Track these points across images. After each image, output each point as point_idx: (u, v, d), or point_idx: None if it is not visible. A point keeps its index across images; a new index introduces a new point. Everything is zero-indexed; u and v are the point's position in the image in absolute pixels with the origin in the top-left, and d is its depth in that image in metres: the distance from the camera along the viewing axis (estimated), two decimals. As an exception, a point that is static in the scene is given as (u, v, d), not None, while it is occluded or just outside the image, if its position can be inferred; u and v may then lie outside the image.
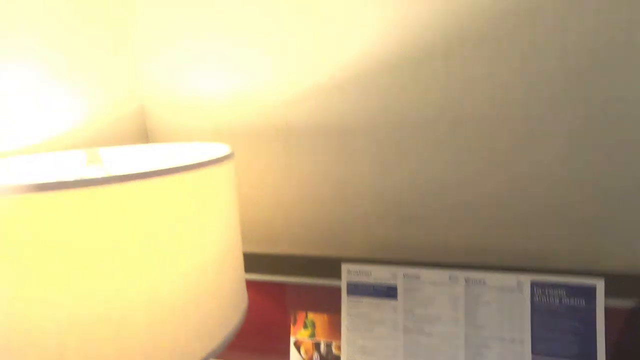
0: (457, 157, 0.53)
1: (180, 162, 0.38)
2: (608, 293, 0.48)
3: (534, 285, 0.48)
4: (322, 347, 0.56)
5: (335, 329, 0.56)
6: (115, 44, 0.61)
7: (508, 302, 0.49)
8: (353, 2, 0.52)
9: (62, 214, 0.26)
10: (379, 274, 0.53)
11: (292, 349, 0.57)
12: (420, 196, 0.55)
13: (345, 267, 0.54)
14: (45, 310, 0.26)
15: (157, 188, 0.29)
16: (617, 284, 0.49)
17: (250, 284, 0.62)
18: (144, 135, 0.67)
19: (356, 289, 0.54)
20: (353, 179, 0.57)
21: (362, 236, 0.59)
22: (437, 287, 0.51)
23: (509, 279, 0.49)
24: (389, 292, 0.52)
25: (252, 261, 0.62)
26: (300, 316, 0.57)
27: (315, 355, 0.56)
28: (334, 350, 0.55)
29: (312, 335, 0.56)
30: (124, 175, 0.27)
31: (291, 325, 0.57)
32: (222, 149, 0.40)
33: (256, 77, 0.58)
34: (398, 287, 0.52)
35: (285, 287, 0.59)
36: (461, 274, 0.50)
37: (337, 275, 0.58)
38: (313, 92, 0.56)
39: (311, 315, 0.57)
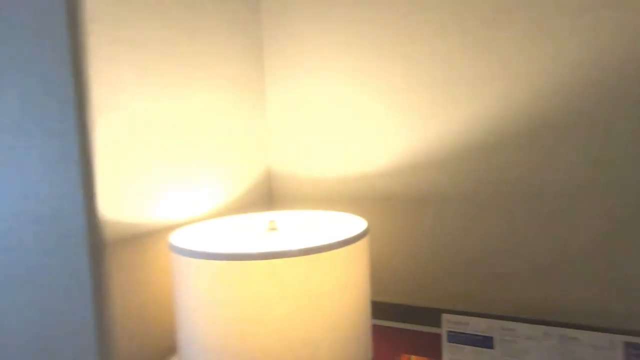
0: (545, 226, 0.62)
1: (337, 233, 0.53)
2: None
3: (627, 346, 0.53)
4: (425, 388, 0.64)
5: (436, 372, 0.64)
6: (255, 134, 0.81)
7: (602, 360, 0.55)
8: (445, 100, 0.67)
9: (284, 276, 0.41)
10: (477, 325, 0.61)
11: (397, 387, 0.66)
12: (509, 256, 0.64)
13: (445, 317, 0.63)
14: (267, 337, 0.41)
15: (328, 257, 0.44)
16: None
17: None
18: (269, 201, 0.85)
19: (455, 337, 0.62)
20: (447, 240, 0.68)
21: (457, 290, 0.68)
22: (532, 341, 0.58)
23: (601, 338, 0.55)
24: (486, 342, 0.60)
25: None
26: (404, 358, 0.66)
27: (419, 395, 0.64)
28: (436, 392, 0.63)
29: (415, 376, 0.65)
30: (309, 248, 0.42)
31: (396, 366, 0.67)
32: (360, 222, 0.55)
33: (362, 156, 0.74)
34: (494, 338, 0.60)
35: (390, 331, 0.69)
36: (555, 331, 0.57)
37: (437, 323, 0.67)
38: (410, 167, 0.70)
39: (414, 358, 0.66)
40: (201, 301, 0.43)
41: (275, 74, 0.81)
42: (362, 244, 0.48)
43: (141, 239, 0.51)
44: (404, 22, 0.69)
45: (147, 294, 0.52)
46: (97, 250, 0.46)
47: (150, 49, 0.54)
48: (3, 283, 0.52)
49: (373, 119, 0.73)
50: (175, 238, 0.49)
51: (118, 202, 0.48)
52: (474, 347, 0.61)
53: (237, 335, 0.41)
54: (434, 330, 0.66)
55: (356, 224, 0.55)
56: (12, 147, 0.49)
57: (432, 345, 0.66)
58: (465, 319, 0.62)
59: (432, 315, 0.67)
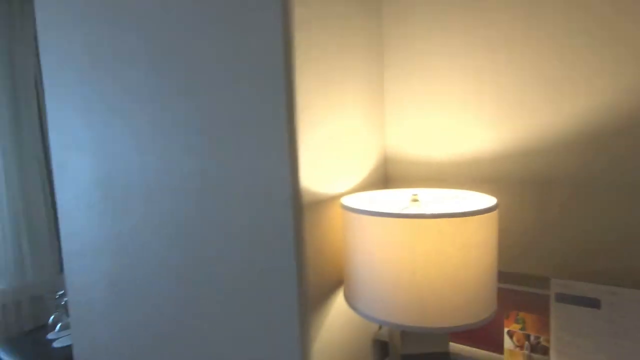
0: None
1: (469, 205, 0.67)
2: None
3: None
4: (532, 339, 0.76)
5: (543, 326, 0.76)
6: (375, 124, 0.97)
7: None
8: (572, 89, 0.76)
9: (435, 232, 0.56)
10: (584, 289, 0.72)
11: (506, 337, 0.79)
12: (617, 234, 0.73)
13: (553, 281, 0.74)
14: (431, 274, 0.57)
15: (477, 220, 0.58)
16: None
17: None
18: (385, 180, 1.01)
19: (563, 298, 0.73)
20: (555, 220, 0.78)
21: (565, 262, 0.78)
22: (638, 304, 0.67)
23: None
24: (592, 303, 0.71)
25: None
26: (512, 314, 0.79)
27: (526, 345, 0.77)
28: (543, 342, 0.75)
29: (523, 329, 0.77)
30: (465, 212, 0.57)
31: (504, 320, 0.80)
32: (489, 199, 0.68)
33: (471, 140, 0.86)
34: (601, 300, 0.70)
35: (501, 291, 0.82)
36: (662, 296, 0.66)
37: (546, 288, 0.78)
38: (521, 152, 0.81)
39: (522, 314, 0.78)
40: (377, 247, 0.60)
41: (394, 64, 0.95)
42: (495, 213, 0.62)
43: (322, 203, 0.70)
44: (521, 23, 0.78)
45: (325, 241, 0.71)
46: (298, 211, 0.66)
47: (325, 64, 0.71)
48: (229, 235, 0.74)
49: (484, 106, 0.84)
50: (350, 202, 0.67)
51: (310, 178, 0.67)
52: (581, 307, 0.72)
53: (408, 272, 0.58)
54: (542, 292, 0.77)
55: (482, 199, 0.68)
56: (235, 139, 0.70)
57: (539, 304, 0.77)
58: (573, 282, 0.73)
59: (540, 282, 0.78)
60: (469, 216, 0.58)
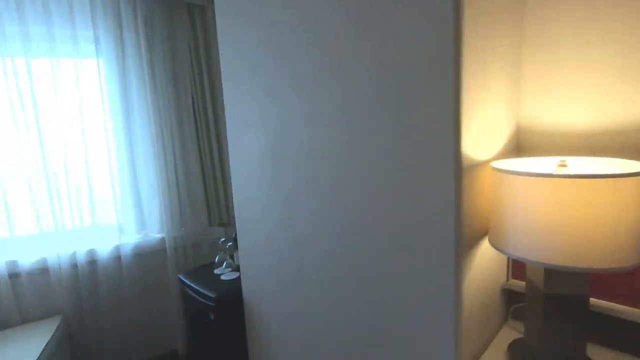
0: None
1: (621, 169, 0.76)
2: None
3: None
4: (675, 295, 0.82)
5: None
6: (510, 98, 1.06)
7: None
8: None
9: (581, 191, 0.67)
10: None
11: (645, 292, 0.86)
12: None
13: None
14: (587, 226, 0.68)
15: (634, 180, 0.67)
16: None
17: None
18: (516, 150, 1.10)
19: None
20: None
21: None
22: None
23: None
24: None
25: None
26: (654, 272, 0.85)
27: (667, 300, 0.83)
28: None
29: (665, 286, 0.84)
30: (623, 174, 0.66)
31: (644, 277, 0.87)
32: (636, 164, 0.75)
33: (599, 113, 0.90)
34: None
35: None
36: None
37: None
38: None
39: (664, 273, 0.84)
40: (537, 203, 0.73)
41: (533, 42, 1.02)
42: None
43: (474, 167, 0.85)
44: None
45: (474, 198, 0.86)
46: (458, 172, 0.82)
47: (481, 51, 0.84)
48: (395, 191, 0.94)
49: (629, 78, 0.87)
50: (507, 166, 0.80)
51: (469, 146, 0.82)
52: None
53: (564, 222, 0.70)
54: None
55: (626, 164, 0.75)
56: (401, 116, 0.88)
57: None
58: None
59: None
60: (626, 177, 0.67)
